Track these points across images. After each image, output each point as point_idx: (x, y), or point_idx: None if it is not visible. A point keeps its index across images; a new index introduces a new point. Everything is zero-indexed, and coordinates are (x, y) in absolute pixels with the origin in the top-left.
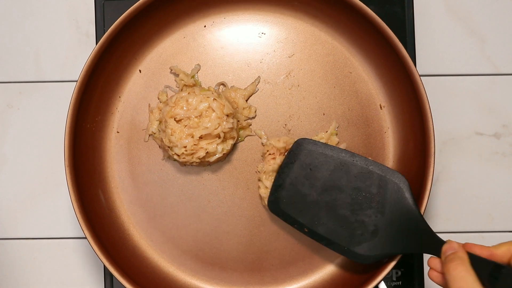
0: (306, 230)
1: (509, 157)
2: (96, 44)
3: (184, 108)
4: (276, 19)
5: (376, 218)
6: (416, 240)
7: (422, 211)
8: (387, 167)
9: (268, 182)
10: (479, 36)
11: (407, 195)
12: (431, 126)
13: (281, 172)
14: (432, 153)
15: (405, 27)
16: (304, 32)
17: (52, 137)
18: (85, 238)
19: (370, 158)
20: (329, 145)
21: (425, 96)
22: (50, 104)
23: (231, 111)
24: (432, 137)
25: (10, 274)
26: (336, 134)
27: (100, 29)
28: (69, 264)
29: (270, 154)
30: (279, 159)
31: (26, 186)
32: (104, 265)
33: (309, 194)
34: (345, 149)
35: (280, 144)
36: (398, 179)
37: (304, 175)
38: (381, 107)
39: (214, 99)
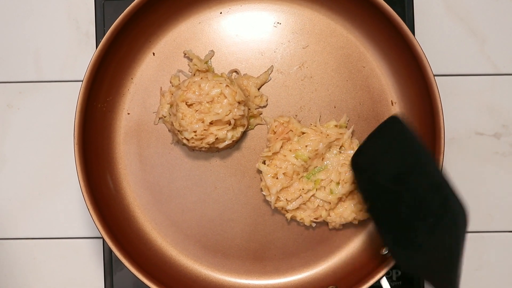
0: (368, 204)
1: (509, 157)
2: (103, 37)
3: (196, 93)
4: (293, 9)
5: (424, 234)
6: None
7: None
8: (457, 194)
9: (268, 169)
10: (479, 36)
11: (461, 233)
12: (442, 125)
13: (368, 140)
14: (442, 152)
15: None
16: (319, 24)
17: (52, 137)
18: (85, 238)
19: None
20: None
21: (438, 95)
22: (50, 104)
23: (242, 99)
24: (442, 136)
25: (10, 274)
26: (346, 127)
27: (100, 29)
28: (69, 264)
29: (274, 132)
30: (279, 144)
31: (26, 186)
32: (104, 265)
33: (383, 173)
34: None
35: (285, 119)
36: (460, 212)
37: (385, 152)
38: (392, 103)
39: (227, 85)
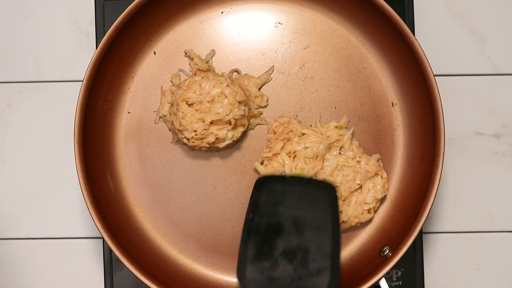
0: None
1: (509, 157)
2: (105, 35)
3: (197, 92)
4: (294, 9)
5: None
6: None
7: (427, 211)
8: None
9: (267, 169)
10: (479, 36)
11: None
12: (442, 126)
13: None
14: (442, 153)
15: None
16: (321, 25)
17: (52, 137)
18: (85, 238)
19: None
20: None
21: (439, 96)
22: (50, 104)
23: (243, 98)
24: (443, 137)
25: (10, 274)
26: (346, 128)
27: (100, 29)
28: (69, 264)
29: (275, 133)
30: (280, 144)
31: (26, 186)
32: (104, 265)
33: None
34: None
35: (285, 119)
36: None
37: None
38: (393, 105)
39: (227, 85)
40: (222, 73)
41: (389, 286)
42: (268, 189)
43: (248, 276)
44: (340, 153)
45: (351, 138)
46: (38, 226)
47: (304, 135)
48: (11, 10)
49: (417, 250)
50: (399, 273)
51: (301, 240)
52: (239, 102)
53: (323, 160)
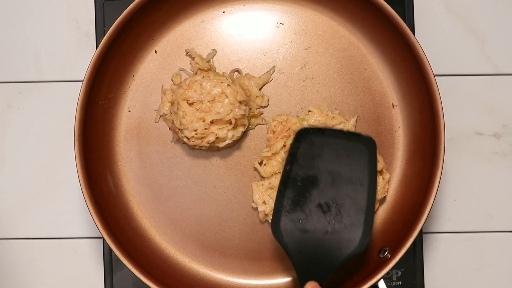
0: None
1: (509, 157)
2: (106, 34)
3: (198, 91)
4: (296, 10)
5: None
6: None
7: (426, 213)
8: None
9: (266, 169)
10: (479, 36)
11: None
12: (442, 129)
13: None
14: (442, 156)
15: None
16: (322, 25)
17: (52, 137)
18: (85, 238)
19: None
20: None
21: (439, 98)
22: (50, 104)
23: (244, 98)
24: (443, 140)
25: (10, 274)
26: (355, 127)
27: (100, 29)
28: (69, 264)
29: (274, 132)
30: (280, 143)
31: (26, 186)
32: (104, 265)
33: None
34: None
35: (283, 117)
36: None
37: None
38: (393, 106)
39: (228, 85)
40: (223, 73)
41: (389, 286)
42: (307, 141)
43: (283, 226)
44: None
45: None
46: (38, 226)
47: (309, 112)
48: (11, 10)
49: (417, 250)
50: (399, 273)
51: (337, 193)
52: (240, 102)
53: None
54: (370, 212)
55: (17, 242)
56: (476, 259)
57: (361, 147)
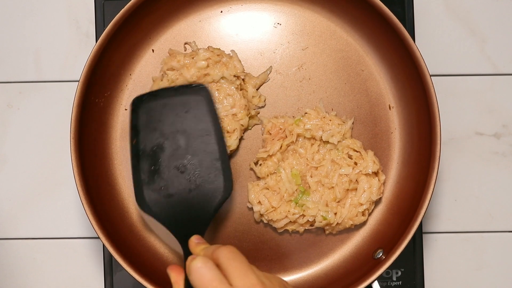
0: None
1: (509, 157)
2: (103, 33)
3: (181, 62)
4: (293, 10)
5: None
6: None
7: (421, 215)
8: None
9: (262, 169)
10: (479, 36)
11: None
12: (438, 131)
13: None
14: (437, 157)
15: (405, 27)
16: (320, 26)
17: (52, 137)
18: (85, 238)
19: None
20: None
21: (435, 100)
22: (50, 104)
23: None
24: (439, 141)
25: (10, 274)
26: (352, 129)
27: (100, 29)
28: (69, 264)
29: (270, 133)
30: (277, 146)
31: (26, 186)
32: (104, 265)
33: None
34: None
35: (279, 120)
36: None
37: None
38: (390, 108)
39: (229, 94)
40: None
41: (389, 286)
42: (145, 109)
43: (148, 198)
44: (337, 149)
45: (352, 128)
46: (38, 226)
47: (306, 114)
48: (11, 10)
49: (417, 250)
50: (399, 273)
51: (189, 150)
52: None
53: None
54: (223, 157)
55: (17, 242)
56: (476, 259)
57: (197, 98)
